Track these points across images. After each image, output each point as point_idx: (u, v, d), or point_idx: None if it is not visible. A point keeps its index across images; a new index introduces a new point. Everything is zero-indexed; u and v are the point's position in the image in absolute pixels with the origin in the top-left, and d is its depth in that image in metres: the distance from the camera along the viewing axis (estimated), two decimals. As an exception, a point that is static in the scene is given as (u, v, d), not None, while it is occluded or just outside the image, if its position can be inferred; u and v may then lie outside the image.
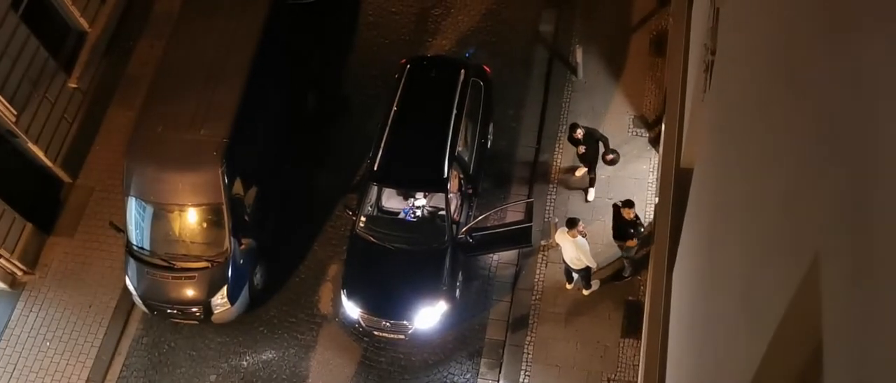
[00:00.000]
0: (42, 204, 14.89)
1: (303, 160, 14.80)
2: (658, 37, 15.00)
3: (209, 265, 12.89)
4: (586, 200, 13.77)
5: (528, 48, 15.52)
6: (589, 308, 13.06)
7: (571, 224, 11.90)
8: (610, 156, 13.60)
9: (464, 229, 12.78)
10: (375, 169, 12.71)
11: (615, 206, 12.40)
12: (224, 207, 12.64)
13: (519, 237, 12.73)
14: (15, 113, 13.82)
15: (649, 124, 14.31)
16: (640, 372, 11.14)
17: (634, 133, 14.29)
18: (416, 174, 12.89)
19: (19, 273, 14.47)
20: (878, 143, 2.26)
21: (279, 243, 14.07)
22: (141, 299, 13.20)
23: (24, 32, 14.06)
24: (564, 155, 14.28)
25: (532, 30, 15.68)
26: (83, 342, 13.88)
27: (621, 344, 12.73)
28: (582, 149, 13.05)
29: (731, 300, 4.58)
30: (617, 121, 14.40)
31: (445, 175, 12.51)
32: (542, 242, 13.54)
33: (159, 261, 13.02)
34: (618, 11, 15.51)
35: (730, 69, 6.18)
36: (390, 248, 12.75)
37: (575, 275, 12.78)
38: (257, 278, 13.59)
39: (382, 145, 12.80)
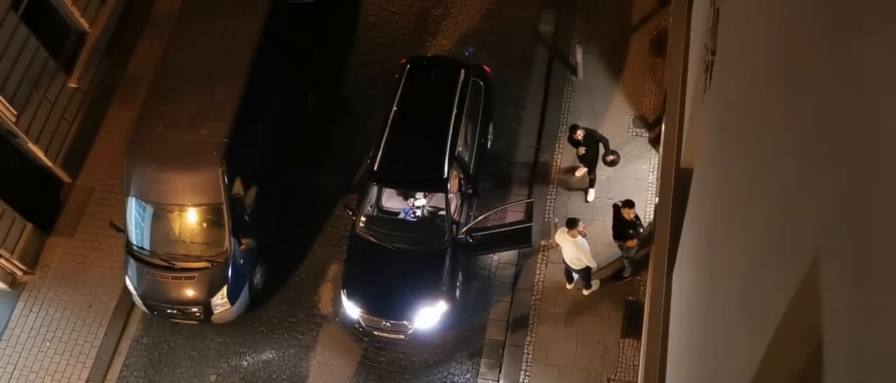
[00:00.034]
0: (42, 204, 14.89)
1: (303, 160, 14.80)
2: (658, 37, 15.00)
3: (209, 265, 12.89)
4: (586, 200, 13.77)
5: (528, 48, 15.52)
6: (589, 308, 13.06)
7: (571, 224, 11.90)
8: (610, 158, 13.61)
9: (464, 229, 12.77)
10: (375, 169, 12.71)
11: (615, 206, 12.39)
12: (224, 207, 12.64)
13: (519, 237, 12.73)
14: (15, 113, 13.82)
15: (649, 124, 14.31)
16: (640, 372, 11.13)
17: (634, 133, 14.29)
18: (416, 174, 12.89)
19: (19, 273, 14.47)
20: (878, 143, 2.26)
21: (279, 243, 14.07)
22: (141, 299, 13.20)
23: (24, 32, 14.06)
24: (564, 155, 14.28)
25: (532, 30, 15.68)
26: (83, 342, 13.88)
27: (621, 345, 12.73)
28: (582, 150, 13.05)
29: (731, 300, 4.58)
30: (617, 121, 14.40)
31: (445, 175, 12.51)
32: (543, 242, 13.54)
33: (159, 261, 13.02)
34: (618, 11, 15.51)
35: (730, 69, 6.18)
36: (390, 248, 12.75)
37: (575, 276, 12.78)
38: (257, 278, 13.59)
39: (382, 145, 12.80)
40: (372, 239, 12.84)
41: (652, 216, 12.79)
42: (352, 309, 12.85)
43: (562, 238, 12.13)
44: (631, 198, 12.23)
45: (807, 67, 3.30)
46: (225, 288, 12.89)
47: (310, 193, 14.66)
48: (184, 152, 12.71)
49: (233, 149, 12.69)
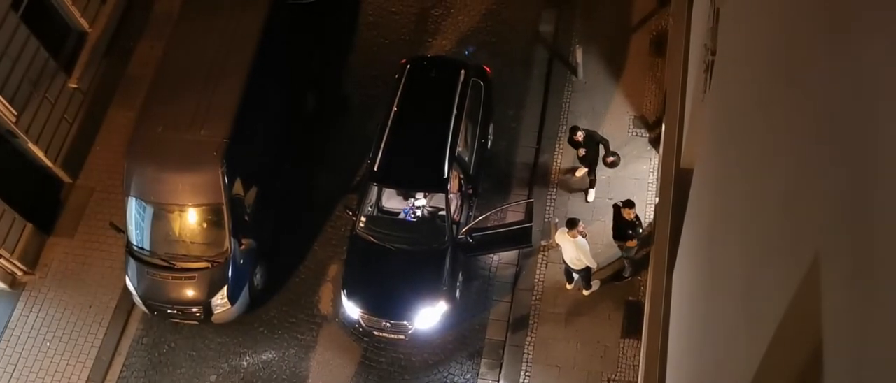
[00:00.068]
0: (42, 204, 14.89)
1: (303, 160, 14.80)
2: (658, 37, 15.00)
3: (209, 265, 12.89)
4: (586, 201, 13.76)
5: (528, 48, 15.52)
6: (589, 308, 13.06)
7: (572, 224, 11.90)
8: (610, 159, 13.62)
9: (464, 229, 12.77)
10: (375, 169, 12.71)
11: (616, 206, 12.39)
12: (224, 207, 12.64)
13: (519, 237, 12.73)
14: (15, 113, 13.82)
15: (649, 125, 14.31)
16: (640, 372, 11.13)
17: (634, 133, 14.29)
18: (417, 174, 12.89)
19: (19, 273, 14.47)
20: (878, 143, 2.26)
21: (279, 243, 14.07)
22: (141, 299, 13.20)
23: (25, 33, 14.06)
24: (564, 155, 14.28)
25: (532, 30, 15.68)
26: (83, 342, 13.88)
27: (621, 345, 12.73)
28: (582, 151, 13.06)
29: (731, 300, 4.58)
30: (617, 121, 14.40)
31: (445, 175, 12.50)
32: (543, 242, 13.54)
33: (159, 262, 13.02)
34: (618, 11, 15.51)
35: (730, 69, 6.18)
36: (390, 248, 12.75)
37: (575, 276, 12.78)
38: (257, 278, 13.59)
39: (382, 145, 12.80)
40: (372, 239, 12.84)
41: (652, 216, 12.79)
42: (352, 310, 12.85)
43: (562, 238, 12.13)
44: (631, 199, 12.24)
45: (807, 67, 3.30)
46: (225, 288, 12.89)
47: (310, 193, 14.66)
48: (184, 152, 12.71)
49: (233, 149, 12.69)
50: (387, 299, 12.66)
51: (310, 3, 15.70)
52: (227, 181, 12.59)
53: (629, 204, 12.10)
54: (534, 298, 13.30)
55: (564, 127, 14.34)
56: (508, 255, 13.64)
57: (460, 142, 13.04)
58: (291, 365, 13.35)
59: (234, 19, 13.73)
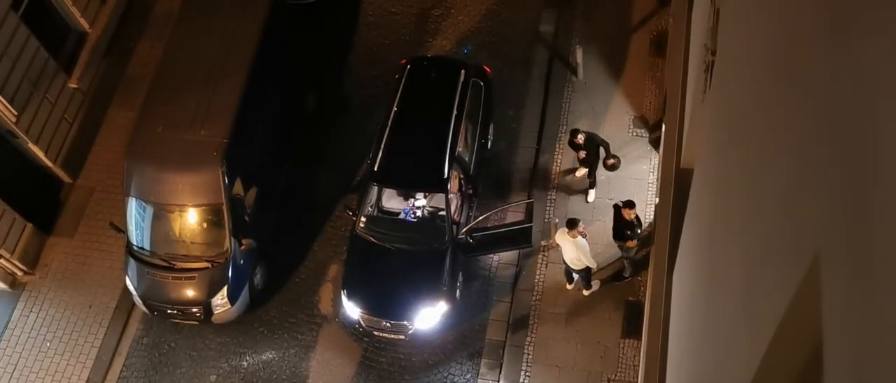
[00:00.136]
0: (42, 204, 14.89)
1: (303, 160, 14.80)
2: (658, 37, 15.00)
3: (209, 265, 12.89)
4: (587, 201, 13.76)
5: (528, 48, 15.51)
6: (589, 308, 13.05)
7: (572, 224, 11.90)
8: (611, 161, 13.62)
9: (464, 229, 12.77)
10: (375, 169, 12.71)
11: (616, 207, 12.39)
12: (224, 208, 12.64)
13: (519, 237, 12.73)
14: (15, 113, 13.82)
15: (650, 125, 14.31)
16: (640, 372, 11.13)
17: (635, 133, 14.29)
18: (417, 174, 12.89)
19: (19, 273, 14.47)
20: (878, 143, 2.26)
21: (279, 243, 14.07)
22: (141, 299, 13.20)
23: (25, 33, 14.06)
24: (564, 155, 14.28)
25: (532, 30, 15.68)
26: (83, 342, 13.88)
27: (621, 345, 12.72)
28: (582, 153, 13.06)
29: (731, 300, 4.58)
30: (617, 121, 14.40)
31: (445, 175, 12.50)
32: (543, 243, 13.54)
33: (159, 262, 13.02)
34: (618, 11, 15.51)
35: (730, 69, 6.18)
36: (390, 249, 12.75)
37: (575, 276, 12.78)
38: (257, 278, 13.59)
39: (382, 145, 12.80)
40: (372, 239, 12.84)
41: (652, 216, 12.78)
42: (352, 310, 12.85)
43: (562, 238, 12.13)
44: (631, 199, 12.24)
45: (807, 67, 3.30)
46: (225, 288, 12.89)
47: (310, 193, 14.66)
48: (184, 152, 12.71)
49: (233, 149, 12.69)
50: (387, 299, 12.66)
51: (310, 4, 15.70)
52: (227, 181, 12.59)
53: (629, 204, 12.10)
54: (534, 298, 13.30)
55: (564, 127, 14.34)
56: (508, 256, 13.64)
57: (460, 143, 13.04)
58: (291, 365, 13.35)
59: (234, 19, 13.73)
